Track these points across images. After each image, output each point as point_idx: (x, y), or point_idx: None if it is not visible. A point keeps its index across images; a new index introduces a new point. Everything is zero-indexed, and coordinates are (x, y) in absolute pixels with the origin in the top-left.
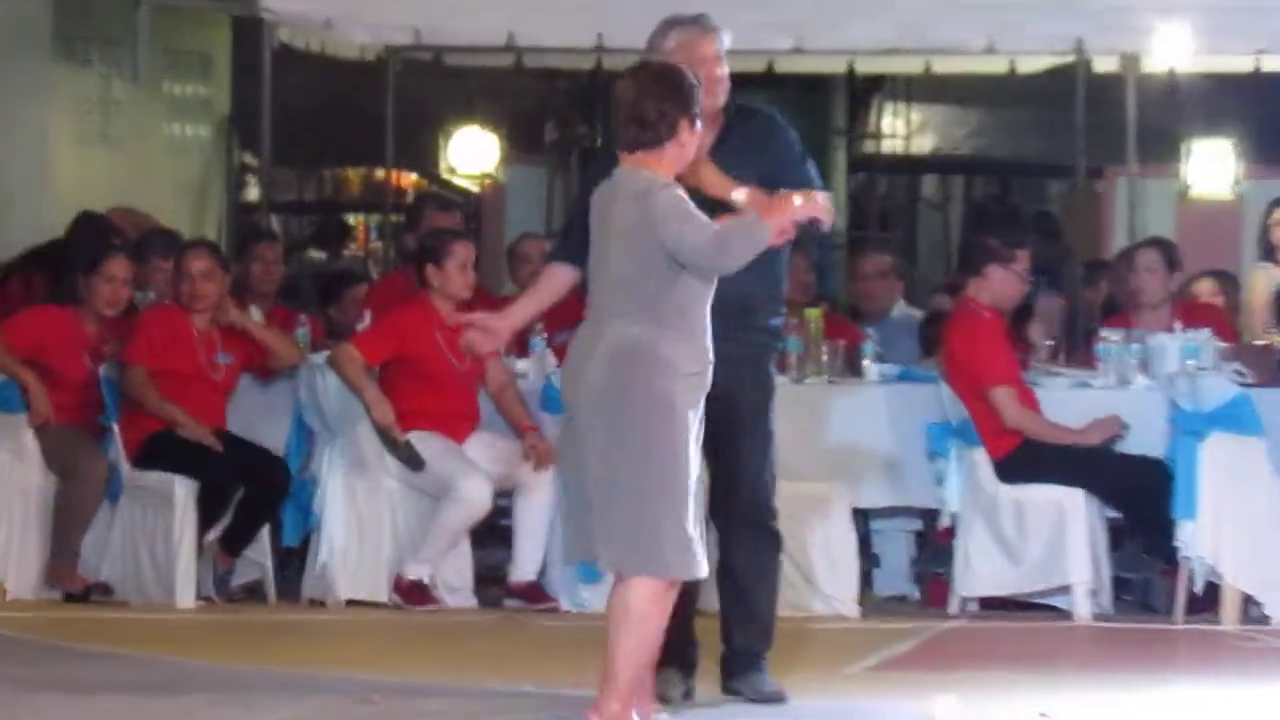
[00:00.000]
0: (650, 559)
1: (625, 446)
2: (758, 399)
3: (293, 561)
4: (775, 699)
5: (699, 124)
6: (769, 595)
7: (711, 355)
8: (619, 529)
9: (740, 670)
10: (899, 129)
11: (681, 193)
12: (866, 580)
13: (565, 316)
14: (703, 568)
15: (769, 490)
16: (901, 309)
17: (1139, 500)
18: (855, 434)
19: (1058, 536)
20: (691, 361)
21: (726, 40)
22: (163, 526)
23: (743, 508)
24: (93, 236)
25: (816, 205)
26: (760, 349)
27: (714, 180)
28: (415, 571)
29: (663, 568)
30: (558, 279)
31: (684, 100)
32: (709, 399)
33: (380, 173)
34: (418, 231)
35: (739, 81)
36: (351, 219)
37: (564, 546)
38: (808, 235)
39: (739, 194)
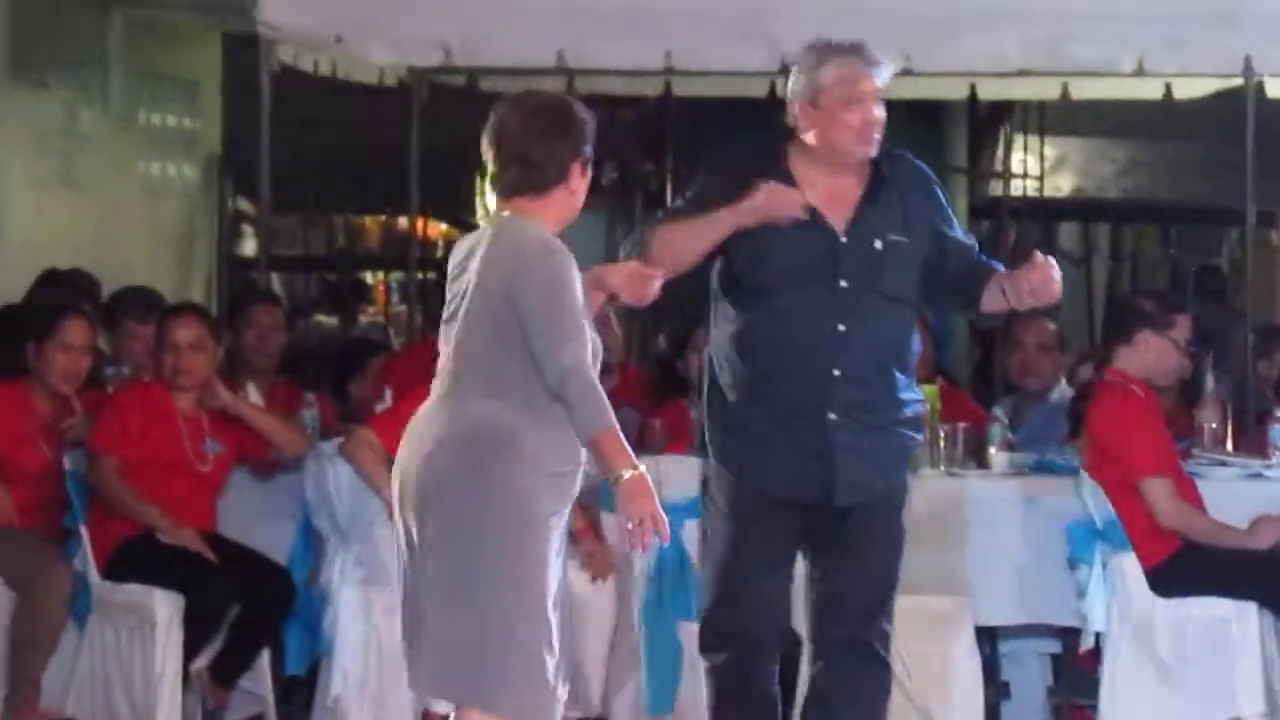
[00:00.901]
0: (490, 693)
1: (471, 553)
2: (895, 507)
3: (299, 694)
4: None
5: (589, 168)
6: None
7: (584, 454)
8: (455, 652)
9: None
10: (1031, 166)
11: (568, 265)
12: (993, 713)
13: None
14: None
15: (888, 614)
16: (1062, 389)
17: None
18: (979, 537)
19: (1224, 660)
20: (561, 458)
21: (887, 74)
22: (141, 652)
23: (852, 632)
24: (52, 298)
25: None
26: (898, 444)
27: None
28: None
29: (507, 708)
30: None
31: (576, 139)
32: (821, 504)
33: (404, 221)
34: None
35: None
36: (369, 277)
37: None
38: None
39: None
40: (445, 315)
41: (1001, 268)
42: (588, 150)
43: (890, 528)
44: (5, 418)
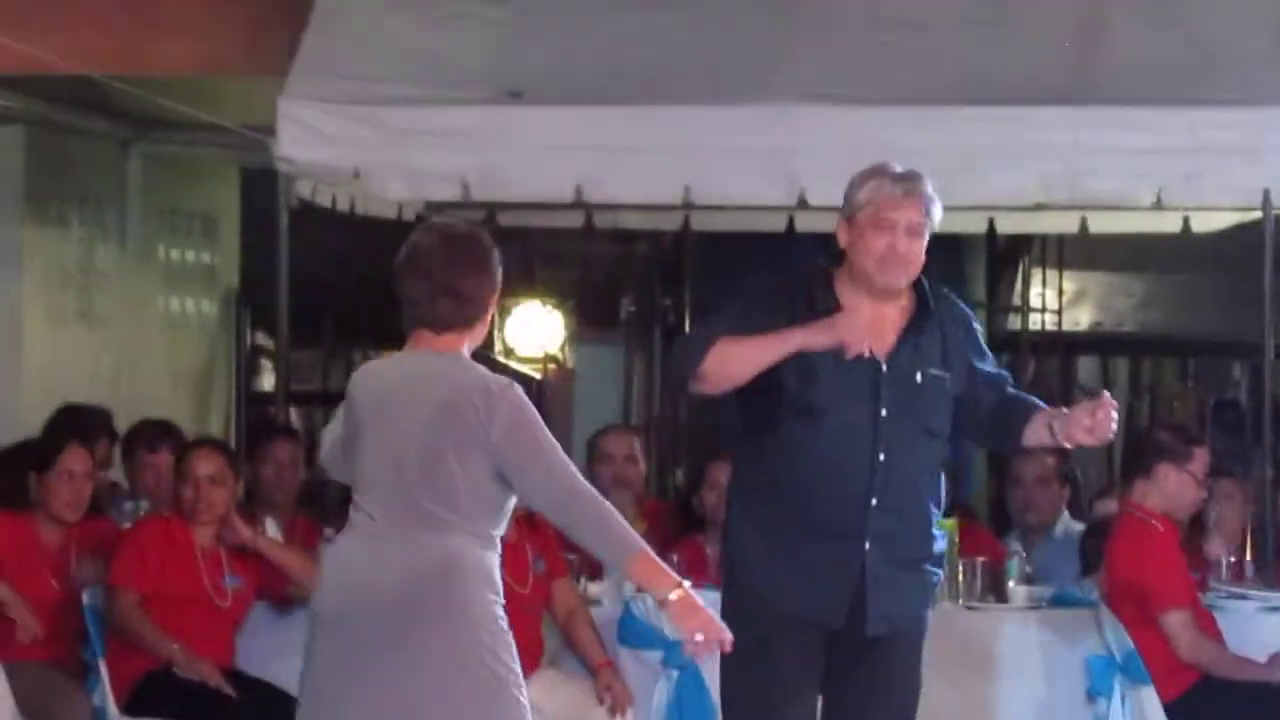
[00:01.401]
0: None
1: (431, 695)
2: (915, 642)
3: None
4: None
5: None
6: None
7: None
8: None
9: None
10: (1049, 300)
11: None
12: None
13: None
14: None
15: None
16: (1066, 524)
17: None
18: (998, 670)
19: None
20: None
21: (936, 213)
22: None
23: None
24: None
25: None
26: (925, 579)
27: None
28: None
29: None
30: None
31: (495, 273)
32: (849, 632)
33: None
34: None
35: None
36: None
37: None
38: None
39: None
40: (373, 450)
41: (1040, 403)
42: (499, 284)
43: (910, 664)
44: (12, 550)
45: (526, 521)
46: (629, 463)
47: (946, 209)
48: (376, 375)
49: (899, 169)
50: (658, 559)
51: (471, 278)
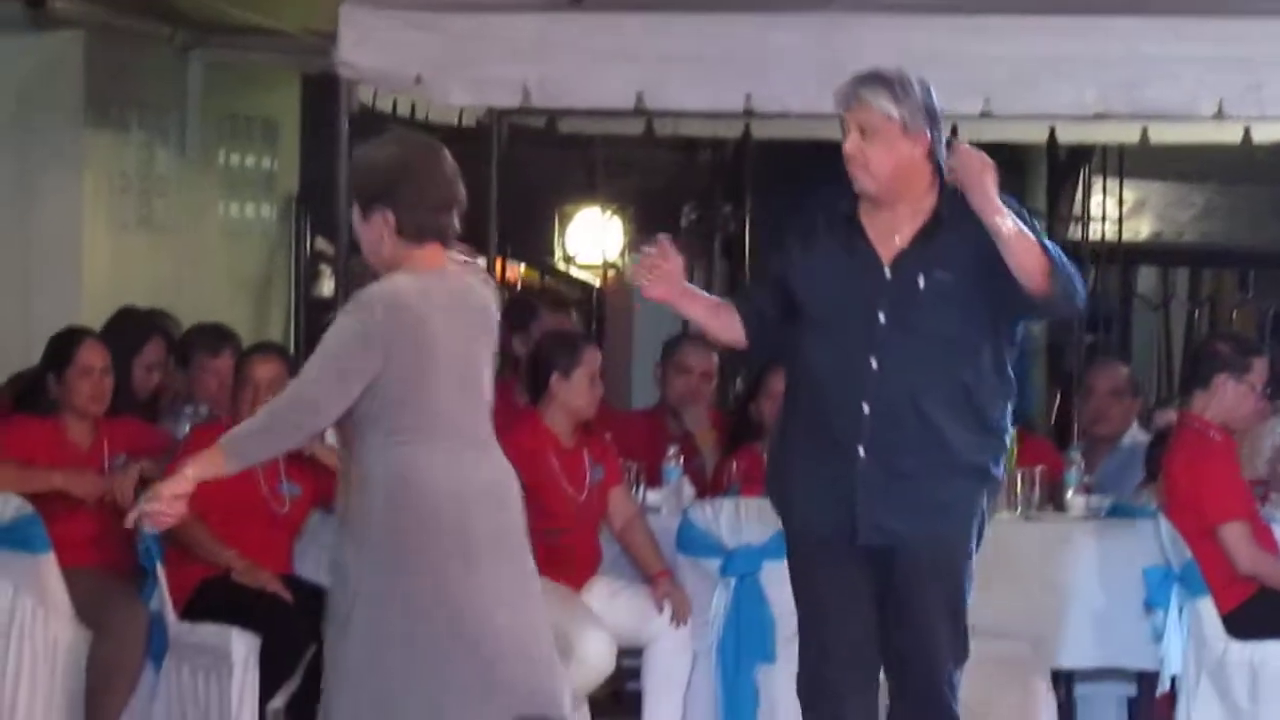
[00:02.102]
0: None
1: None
2: (943, 555)
3: None
4: None
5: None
6: None
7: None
8: None
9: None
10: (1110, 210)
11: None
12: None
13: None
14: None
15: (953, 665)
16: (1134, 435)
17: None
18: (1056, 580)
19: None
20: None
21: (895, 110)
22: (217, 692)
23: (915, 684)
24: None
25: None
26: (942, 491)
27: None
28: None
29: None
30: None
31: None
32: (845, 542)
33: (482, 262)
34: (527, 334)
35: None
36: None
37: None
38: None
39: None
40: (466, 359)
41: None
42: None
43: (941, 583)
44: (41, 451)
45: (584, 429)
46: (705, 379)
47: (1010, 118)
48: (426, 297)
49: (865, 71)
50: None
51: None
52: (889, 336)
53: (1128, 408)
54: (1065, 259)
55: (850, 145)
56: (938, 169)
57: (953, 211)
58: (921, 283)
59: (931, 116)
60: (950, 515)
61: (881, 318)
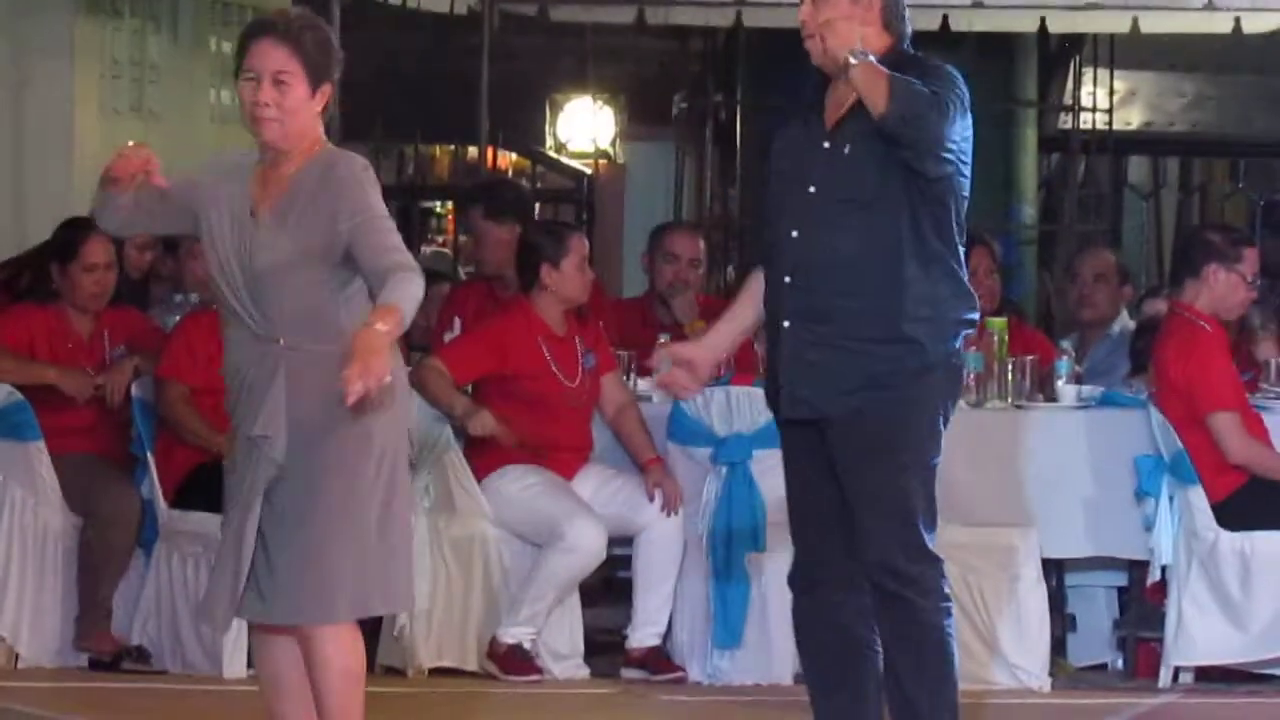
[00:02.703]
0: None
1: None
2: (873, 431)
3: (365, 623)
4: None
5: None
6: (915, 680)
7: None
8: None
9: None
10: (1100, 100)
11: None
12: (1060, 647)
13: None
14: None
15: (907, 550)
16: (1124, 323)
17: None
18: (1047, 469)
19: None
20: None
21: None
22: (207, 578)
23: (869, 571)
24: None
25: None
26: (866, 360)
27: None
28: (514, 635)
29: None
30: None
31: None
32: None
33: (474, 151)
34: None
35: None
36: (439, 206)
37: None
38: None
39: (857, 57)
40: None
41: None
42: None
43: (874, 460)
44: (44, 339)
45: (576, 315)
46: (692, 266)
47: (998, 8)
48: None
49: None
50: None
51: None
52: (812, 204)
53: (1114, 293)
54: (917, 92)
55: (802, 12)
56: (897, 40)
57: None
58: (847, 150)
59: None
60: (876, 388)
61: (811, 188)
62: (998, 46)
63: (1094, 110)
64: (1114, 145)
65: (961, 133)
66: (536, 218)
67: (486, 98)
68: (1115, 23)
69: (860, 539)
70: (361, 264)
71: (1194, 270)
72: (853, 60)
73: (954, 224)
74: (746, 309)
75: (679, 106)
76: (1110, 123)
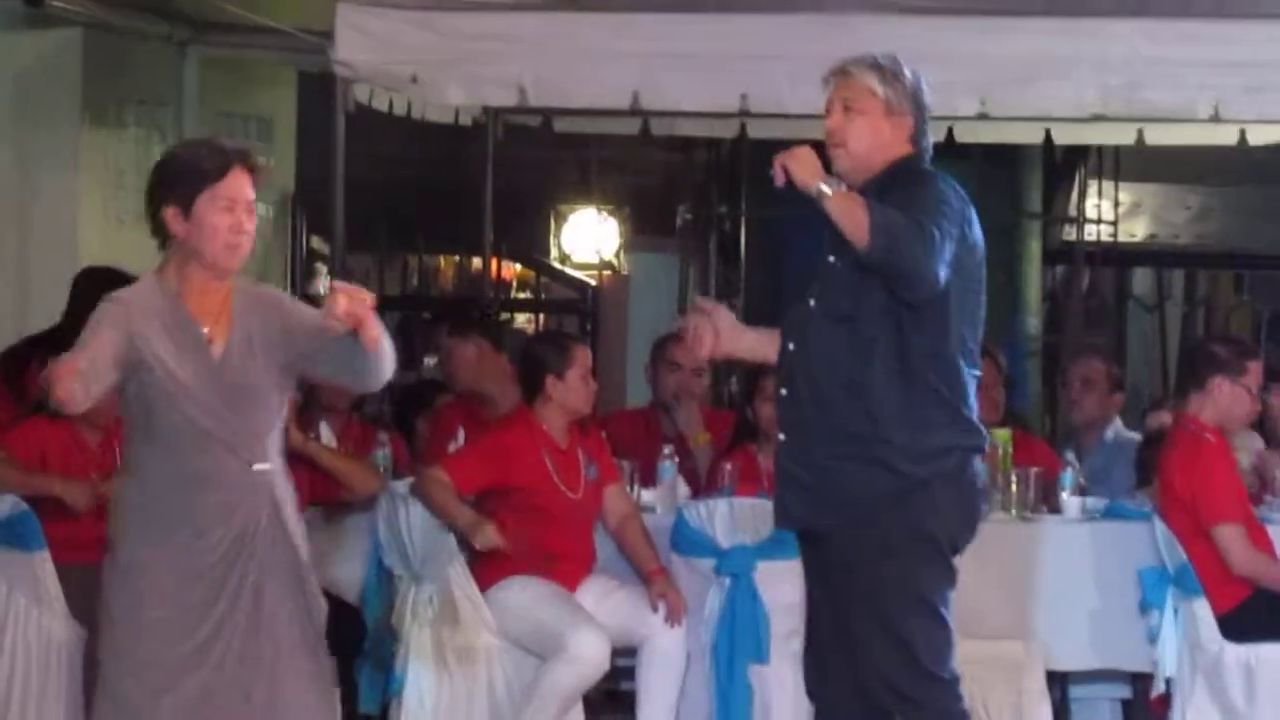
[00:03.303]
0: None
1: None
2: (854, 551)
3: None
4: None
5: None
6: None
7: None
8: None
9: None
10: (1105, 212)
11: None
12: None
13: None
14: None
15: (899, 670)
16: (1118, 430)
17: None
18: (1051, 581)
19: None
20: None
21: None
22: None
23: (869, 689)
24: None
25: None
26: (852, 477)
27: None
28: None
29: None
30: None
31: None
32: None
33: (478, 262)
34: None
35: None
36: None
37: None
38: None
39: (829, 187)
40: None
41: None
42: (176, 194)
43: (857, 580)
44: (55, 454)
45: (579, 426)
46: (695, 375)
47: (1004, 120)
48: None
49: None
50: None
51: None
52: (809, 318)
53: (1104, 399)
54: (898, 224)
55: (832, 121)
56: (919, 155)
57: (880, 190)
58: (833, 260)
59: (918, 105)
60: (856, 508)
61: (811, 301)
62: (1003, 158)
63: (1099, 222)
64: (1119, 257)
65: (957, 254)
66: (540, 329)
67: (491, 208)
68: (1120, 134)
69: (858, 654)
70: (326, 341)
71: (1199, 382)
72: (826, 190)
73: (950, 348)
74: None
75: (683, 217)
76: (1115, 235)
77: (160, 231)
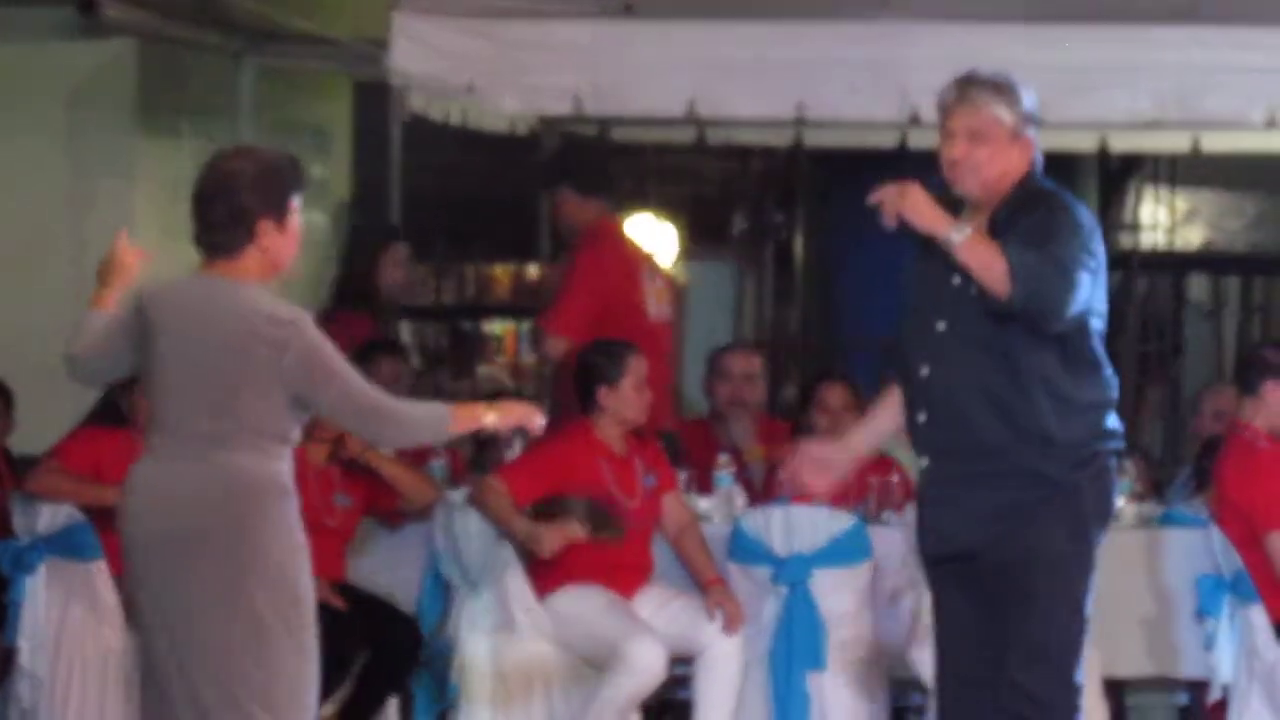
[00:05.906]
0: None
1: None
2: (1011, 568)
3: None
4: None
5: (293, 219)
6: None
7: None
8: None
9: None
10: (1161, 219)
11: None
12: None
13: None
14: None
15: (1043, 694)
16: None
17: None
18: (1108, 589)
19: None
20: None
21: (1005, 112)
22: None
23: (1006, 695)
24: None
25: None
26: (998, 496)
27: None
28: None
29: None
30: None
31: (261, 195)
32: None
33: (533, 270)
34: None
35: None
36: (499, 326)
37: None
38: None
39: (958, 234)
40: (167, 373)
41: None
42: (281, 206)
43: (1013, 598)
44: (110, 463)
45: (635, 435)
46: (747, 382)
47: (1059, 128)
48: (168, 297)
49: (968, 73)
50: (467, 406)
51: (221, 205)
52: (942, 341)
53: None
54: (1038, 268)
55: (958, 150)
56: (1033, 168)
57: (1010, 215)
58: (973, 289)
59: (1034, 121)
60: (1007, 523)
61: (940, 325)
62: (1059, 166)
63: (1155, 229)
64: (1175, 264)
65: (1093, 269)
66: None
67: (547, 217)
68: (1176, 142)
69: (1008, 662)
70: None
71: (1252, 388)
72: (956, 238)
73: (1094, 356)
74: (884, 416)
75: (739, 226)
76: (1171, 242)
77: (234, 242)
